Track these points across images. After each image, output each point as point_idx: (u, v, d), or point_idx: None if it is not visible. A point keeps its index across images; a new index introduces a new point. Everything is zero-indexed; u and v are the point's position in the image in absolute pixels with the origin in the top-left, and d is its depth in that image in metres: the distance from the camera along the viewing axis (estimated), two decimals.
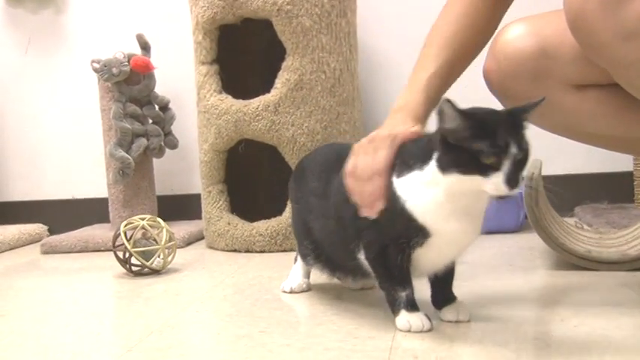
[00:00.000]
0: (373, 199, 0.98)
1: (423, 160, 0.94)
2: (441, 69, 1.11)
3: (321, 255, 1.18)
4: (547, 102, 0.96)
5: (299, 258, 1.29)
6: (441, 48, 1.15)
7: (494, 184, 0.88)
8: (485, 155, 0.87)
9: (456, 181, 0.90)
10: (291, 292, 1.28)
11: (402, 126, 1.04)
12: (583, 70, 1.10)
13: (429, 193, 0.93)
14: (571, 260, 1.34)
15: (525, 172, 0.90)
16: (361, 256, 1.05)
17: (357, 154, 1.04)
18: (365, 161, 1.01)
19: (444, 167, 0.91)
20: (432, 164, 0.92)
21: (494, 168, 0.88)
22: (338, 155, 1.13)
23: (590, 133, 1.23)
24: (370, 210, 0.99)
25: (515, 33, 1.16)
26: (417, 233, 0.95)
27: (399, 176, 0.97)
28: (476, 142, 0.88)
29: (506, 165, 0.87)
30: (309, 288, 1.29)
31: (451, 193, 0.92)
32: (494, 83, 1.19)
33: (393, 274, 1.00)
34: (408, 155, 0.98)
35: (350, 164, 1.03)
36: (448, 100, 0.89)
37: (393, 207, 0.96)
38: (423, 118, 1.07)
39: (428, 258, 0.99)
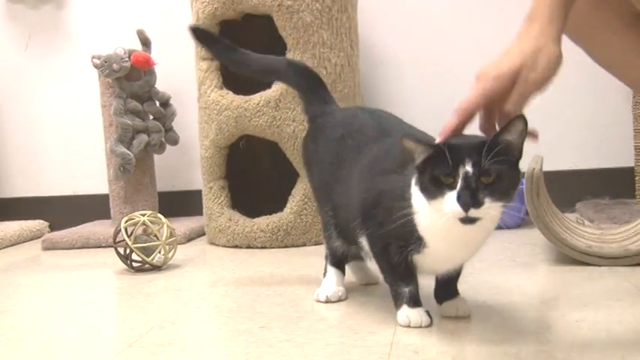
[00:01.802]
0: (442, 131, 0.91)
1: (415, 182, 0.93)
2: None
3: (340, 224, 1.15)
4: (601, 37, 0.94)
5: (329, 266, 1.21)
6: None
7: (449, 203, 0.86)
8: (441, 174, 0.86)
9: (429, 206, 0.90)
10: (327, 302, 1.16)
11: (514, 47, 0.89)
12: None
13: (431, 212, 0.91)
14: (572, 255, 1.34)
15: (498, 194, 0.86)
16: (362, 241, 1.05)
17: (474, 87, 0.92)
18: (468, 97, 0.92)
19: (420, 188, 0.91)
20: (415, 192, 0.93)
21: (451, 187, 0.86)
22: (361, 124, 1.11)
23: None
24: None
25: None
26: (415, 241, 0.95)
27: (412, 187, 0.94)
28: (437, 165, 0.87)
29: (459, 183, 0.85)
30: (345, 296, 1.18)
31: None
32: None
33: (395, 270, 1.00)
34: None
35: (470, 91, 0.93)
36: (406, 137, 0.89)
37: (403, 211, 0.94)
38: (560, 22, 0.90)
39: (426, 264, 0.99)
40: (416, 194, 0.93)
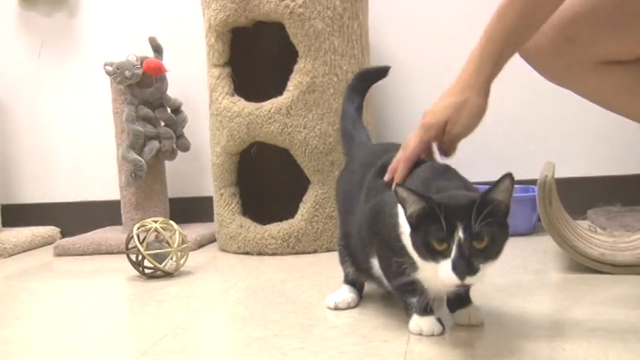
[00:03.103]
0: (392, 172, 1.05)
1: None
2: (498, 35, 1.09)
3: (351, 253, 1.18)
4: (575, 78, 1.05)
5: (343, 284, 1.22)
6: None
7: (444, 271, 0.86)
8: (435, 240, 0.86)
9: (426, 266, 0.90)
10: (335, 309, 1.17)
11: (444, 101, 1.08)
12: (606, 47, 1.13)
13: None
14: (585, 263, 1.34)
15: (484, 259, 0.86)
16: (374, 261, 1.06)
17: (416, 133, 1.09)
18: (410, 142, 1.07)
19: (412, 245, 0.91)
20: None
21: (445, 255, 0.86)
22: (379, 155, 1.14)
23: (618, 108, 1.26)
24: (388, 175, 1.06)
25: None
26: (408, 261, 0.95)
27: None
28: (429, 225, 0.86)
29: (454, 251, 0.85)
30: (355, 304, 1.19)
31: None
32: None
33: (402, 283, 1.00)
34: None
35: (407, 139, 1.10)
36: (401, 186, 0.89)
37: (394, 234, 0.96)
38: (487, 72, 1.07)
39: (426, 282, 0.98)
40: (404, 222, 0.94)
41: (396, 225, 0.96)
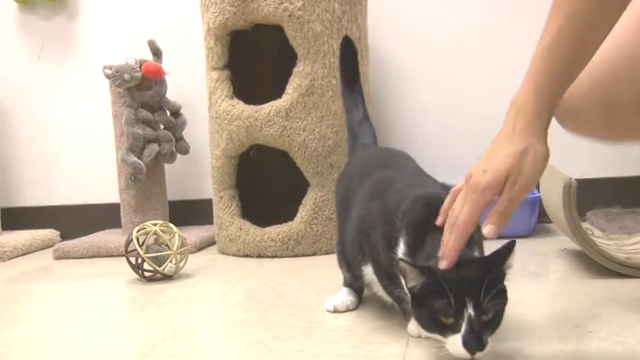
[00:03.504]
0: (446, 255, 0.86)
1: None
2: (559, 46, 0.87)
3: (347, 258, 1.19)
4: (614, 137, 1.00)
5: (342, 287, 1.23)
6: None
7: (453, 346, 0.82)
8: (442, 315, 0.82)
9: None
10: (334, 312, 1.17)
11: (498, 152, 0.87)
12: None
13: None
14: (614, 268, 1.30)
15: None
16: (366, 270, 1.06)
17: (465, 200, 0.87)
18: (456, 209, 0.88)
19: (415, 316, 0.89)
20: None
21: (453, 329, 0.82)
22: (376, 166, 1.14)
23: None
24: (445, 261, 0.86)
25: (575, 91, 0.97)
26: (403, 291, 0.94)
27: (403, 253, 0.92)
28: (435, 300, 0.82)
29: (464, 327, 0.81)
30: (354, 307, 1.18)
31: None
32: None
33: (396, 292, 1.00)
34: (418, 240, 0.92)
35: (455, 207, 0.89)
36: (403, 260, 0.85)
37: (394, 266, 0.93)
38: (548, 117, 0.89)
39: None
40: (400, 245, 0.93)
41: (391, 253, 0.95)
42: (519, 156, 0.85)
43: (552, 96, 0.88)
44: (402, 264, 0.85)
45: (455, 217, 0.87)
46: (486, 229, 0.86)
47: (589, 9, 0.85)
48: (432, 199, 0.94)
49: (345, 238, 1.16)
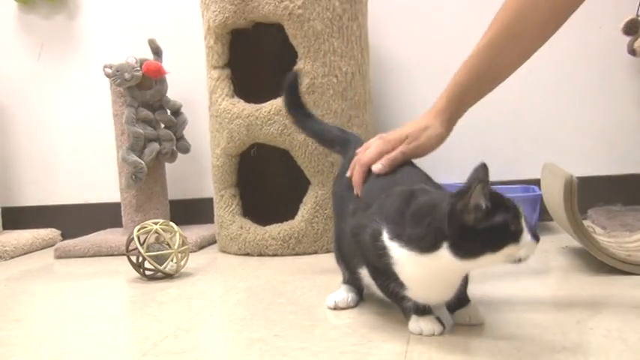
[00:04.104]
0: (356, 184, 1.14)
1: (422, 247, 0.91)
2: (472, 68, 1.19)
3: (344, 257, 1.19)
4: None
5: (342, 284, 1.23)
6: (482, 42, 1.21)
7: (527, 244, 0.89)
8: (511, 223, 0.88)
9: (483, 260, 0.89)
10: (335, 308, 1.18)
11: (416, 126, 1.18)
12: None
13: (421, 269, 0.93)
14: (615, 265, 1.30)
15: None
16: (362, 272, 1.06)
17: (374, 144, 1.17)
18: (367, 154, 1.15)
19: (468, 253, 0.89)
20: (442, 255, 0.90)
21: (519, 231, 0.89)
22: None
23: None
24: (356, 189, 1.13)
25: None
26: (397, 284, 0.97)
27: (392, 238, 0.94)
28: (501, 214, 0.88)
29: (524, 224, 0.89)
30: (355, 303, 1.19)
31: (462, 270, 0.95)
32: None
33: (393, 292, 1.00)
34: (406, 226, 0.94)
35: (362, 149, 1.19)
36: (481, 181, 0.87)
37: (381, 258, 0.96)
38: (451, 111, 1.18)
39: (416, 298, 0.99)
40: (394, 248, 0.94)
41: (383, 250, 0.96)
42: (421, 129, 1.16)
43: (459, 102, 1.18)
44: (476, 186, 0.87)
45: (362, 156, 1.16)
46: (374, 167, 1.12)
47: (504, 37, 1.16)
48: (407, 192, 0.99)
49: (342, 237, 1.16)
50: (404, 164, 1.15)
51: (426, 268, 0.92)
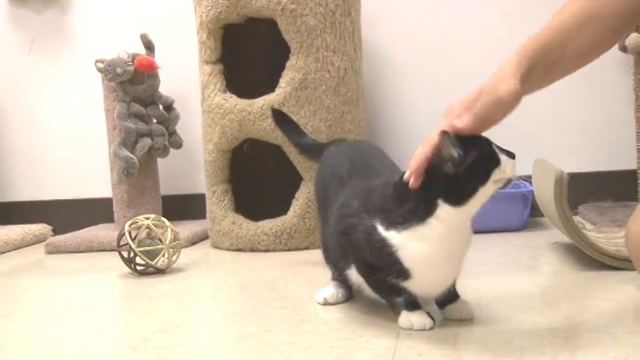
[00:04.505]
0: (414, 169, 0.95)
1: (421, 216, 0.94)
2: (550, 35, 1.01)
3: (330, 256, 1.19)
4: None
5: (330, 280, 1.23)
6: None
7: (506, 163, 0.94)
8: (486, 152, 0.93)
9: (479, 197, 0.93)
10: (325, 304, 1.18)
11: (498, 84, 0.97)
12: None
13: (429, 246, 0.94)
14: (602, 260, 1.31)
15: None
16: (350, 273, 1.06)
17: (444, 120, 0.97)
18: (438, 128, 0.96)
19: (464, 196, 0.93)
20: (441, 213, 0.93)
21: (496, 155, 0.94)
22: (350, 162, 1.14)
23: None
24: (411, 178, 0.95)
25: None
26: (399, 274, 0.97)
27: (389, 228, 0.96)
28: (472, 152, 0.92)
29: (495, 149, 0.95)
30: (345, 299, 1.19)
31: (461, 225, 0.96)
32: None
33: (384, 288, 1.01)
34: (390, 204, 0.97)
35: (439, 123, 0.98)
36: (446, 133, 0.92)
37: (382, 251, 0.96)
38: (525, 69, 0.99)
39: (415, 290, 1.00)
40: (392, 236, 0.95)
41: (382, 242, 0.96)
42: (495, 83, 0.97)
43: (529, 67, 0.99)
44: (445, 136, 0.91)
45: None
46: (458, 123, 0.95)
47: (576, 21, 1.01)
48: (384, 183, 1.01)
49: (327, 239, 1.16)
50: (372, 156, 1.16)
51: (430, 239, 0.94)
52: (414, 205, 0.94)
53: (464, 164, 0.92)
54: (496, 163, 0.93)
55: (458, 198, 0.93)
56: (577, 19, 1.01)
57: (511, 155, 0.95)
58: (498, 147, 0.95)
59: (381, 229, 0.96)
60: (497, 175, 0.93)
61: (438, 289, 1.01)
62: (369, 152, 1.21)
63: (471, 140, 0.93)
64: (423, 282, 0.98)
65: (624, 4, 1.02)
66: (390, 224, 0.96)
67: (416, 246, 0.95)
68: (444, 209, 0.93)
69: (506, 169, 0.94)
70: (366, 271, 1.03)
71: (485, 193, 0.93)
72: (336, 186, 1.12)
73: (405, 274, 0.96)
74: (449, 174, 0.92)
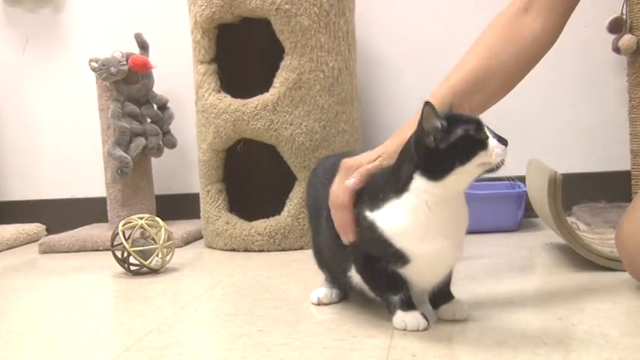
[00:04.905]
0: (343, 230, 1.02)
1: (398, 189, 0.95)
2: (461, 79, 1.12)
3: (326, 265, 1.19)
4: None
5: (324, 281, 1.23)
6: (469, 58, 1.15)
7: (495, 148, 0.92)
8: (474, 133, 0.92)
9: (457, 176, 0.92)
10: (319, 304, 1.18)
11: (391, 142, 1.05)
12: None
13: (408, 218, 0.94)
14: (597, 261, 1.32)
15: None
16: (351, 274, 1.06)
17: (338, 180, 1.04)
18: (337, 191, 1.03)
19: (440, 172, 0.92)
20: (416, 186, 0.94)
21: (485, 139, 0.92)
22: (325, 171, 1.14)
23: None
24: (344, 237, 1.02)
25: None
26: (396, 258, 0.97)
27: (373, 209, 0.97)
28: (458, 129, 0.92)
29: (487, 132, 0.93)
30: (339, 299, 1.19)
31: (441, 201, 0.94)
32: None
33: (382, 283, 1.01)
34: (377, 188, 0.98)
35: (332, 190, 1.04)
36: (428, 103, 0.92)
37: (372, 235, 0.97)
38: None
39: (413, 279, 1.00)
40: (377, 216, 0.96)
41: (370, 226, 0.97)
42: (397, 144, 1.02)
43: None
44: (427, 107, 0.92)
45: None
46: (347, 182, 1.02)
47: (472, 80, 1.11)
48: (374, 175, 1.02)
49: (321, 248, 1.16)
50: None
51: (408, 212, 0.94)
52: (393, 180, 0.96)
53: (446, 139, 0.91)
54: (482, 146, 0.92)
55: (434, 172, 0.92)
56: (475, 74, 1.10)
57: (503, 141, 0.93)
58: (491, 131, 0.94)
59: (367, 213, 0.98)
60: (482, 159, 0.91)
61: (438, 271, 1.00)
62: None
63: (460, 118, 0.93)
64: (421, 264, 0.97)
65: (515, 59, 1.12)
66: (374, 206, 0.97)
67: (395, 220, 0.95)
68: (417, 181, 0.93)
69: (493, 154, 0.92)
70: (365, 267, 1.02)
71: (466, 173, 0.92)
72: (326, 194, 1.11)
73: (401, 256, 0.96)
74: (429, 147, 0.92)
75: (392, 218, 0.96)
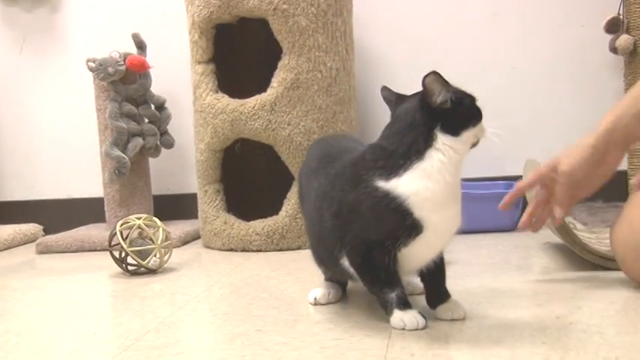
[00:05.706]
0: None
1: (419, 151, 0.96)
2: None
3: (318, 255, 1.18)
4: None
5: (323, 281, 1.22)
6: None
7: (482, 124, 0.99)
8: (476, 105, 1.00)
9: (468, 136, 0.97)
10: (315, 304, 1.18)
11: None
12: None
13: (432, 183, 0.95)
14: (595, 261, 1.32)
15: None
16: (345, 263, 1.04)
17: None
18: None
19: (458, 127, 0.97)
20: (442, 142, 0.96)
21: (480, 112, 1.00)
22: (325, 154, 1.13)
23: None
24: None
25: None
26: (409, 230, 0.95)
27: (389, 177, 0.95)
28: (465, 99, 0.99)
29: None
30: (336, 299, 1.19)
31: (458, 161, 0.97)
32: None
33: (379, 278, 1.01)
34: (393, 156, 0.97)
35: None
36: (435, 73, 0.98)
37: (386, 208, 0.95)
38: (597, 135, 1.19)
39: (415, 255, 0.99)
40: (398, 184, 0.95)
41: (386, 198, 0.95)
42: (572, 146, 1.19)
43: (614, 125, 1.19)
44: (429, 77, 0.98)
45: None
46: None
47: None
48: (375, 144, 1.03)
49: (314, 240, 1.15)
50: (348, 144, 1.18)
51: (434, 177, 0.95)
52: (412, 139, 0.97)
53: (457, 102, 0.97)
54: (480, 116, 0.99)
55: (455, 127, 0.96)
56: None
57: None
58: None
59: (382, 183, 0.96)
60: (480, 128, 0.98)
61: (443, 242, 1.00)
62: (345, 141, 1.22)
63: (462, 90, 0.99)
64: (433, 233, 0.96)
65: None
66: (391, 172, 0.96)
67: (422, 186, 0.95)
68: (441, 138, 0.96)
69: (484, 129, 0.99)
70: (362, 263, 1.01)
71: (472, 136, 0.98)
72: (309, 179, 1.12)
73: (416, 227, 0.95)
74: (445, 107, 0.96)
75: (414, 184, 0.95)
